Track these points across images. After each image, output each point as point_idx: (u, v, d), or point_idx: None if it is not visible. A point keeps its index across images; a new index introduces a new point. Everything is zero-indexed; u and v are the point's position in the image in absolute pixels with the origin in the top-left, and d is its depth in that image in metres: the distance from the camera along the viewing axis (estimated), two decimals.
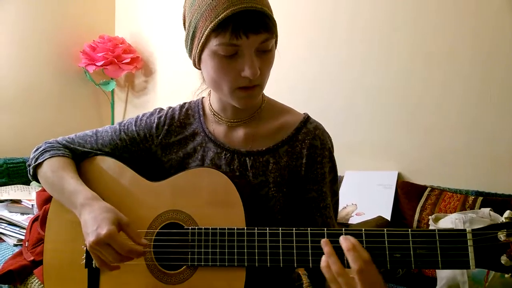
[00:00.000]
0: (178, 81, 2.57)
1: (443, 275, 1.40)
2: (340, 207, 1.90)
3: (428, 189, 1.73)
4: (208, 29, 0.82)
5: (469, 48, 1.71)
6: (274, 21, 0.86)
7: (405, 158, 1.89)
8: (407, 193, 1.78)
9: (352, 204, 1.88)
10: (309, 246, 0.78)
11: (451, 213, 1.59)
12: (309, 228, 0.79)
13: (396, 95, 1.90)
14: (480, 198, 1.59)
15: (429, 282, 1.51)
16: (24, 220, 1.90)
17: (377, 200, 1.83)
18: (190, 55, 0.93)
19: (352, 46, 2.02)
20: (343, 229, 0.76)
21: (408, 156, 1.88)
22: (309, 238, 0.78)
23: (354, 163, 1.98)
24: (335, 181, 0.99)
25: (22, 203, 2.02)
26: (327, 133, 1.00)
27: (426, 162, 1.83)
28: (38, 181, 1.06)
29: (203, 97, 1.07)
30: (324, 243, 0.76)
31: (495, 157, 1.66)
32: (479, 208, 1.54)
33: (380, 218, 1.72)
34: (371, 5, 1.96)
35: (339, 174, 2.02)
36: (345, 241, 0.74)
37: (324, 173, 0.96)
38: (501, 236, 0.68)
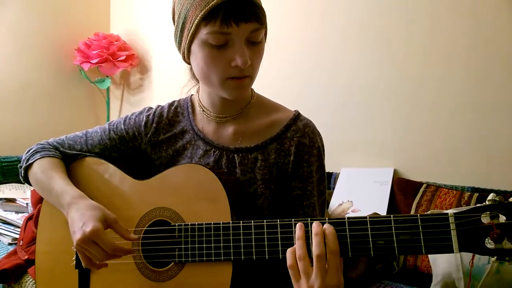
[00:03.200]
0: (174, 78, 2.55)
1: (439, 271, 1.39)
2: (336, 204, 1.90)
3: (424, 185, 1.73)
4: (198, 18, 0.82)
5: (465, 46, 1.70)
6: (264, 11, 0.86)
7: (401, 155, 1.88)
8: (403, 189, 1.77)
9: (348, 201, 1.87)
10: (294, 237, 0.78)
11: (446, 209, 1.59)
12: (293, 219, 0.79)
13: (392, 92, 1.89)
14: (476, 195, 1.58)
15: (425, 278, 1.51)
16: (18, 218, 1.91)
17: (373, 197, 1.83)
18: (179, 49, 0.93)
19: (347, 42, 2.01)
20: (327, 218, 0.76)
21: (404, 153, 1.87)
22: (293, 229, 0.78)
23: (350, 160, 1.97)
24: (322, 181, 0.98)
25: (17, 201, 2.03)
26: (317, 131, 0.99)
27: (422, 159, 1.83)
28: (29, 183, 1.07)
29: (192, 95, 1.07)
30: (299, 227, 0.76)
31: (491, 153, 1.66)
32: (475, 204, 1.54)
33: (375, 214, 1.71)
34: (365, 2, 1.95)
35: (335, 171, 2.03)
36: (317, 226, 0.74)
37: (310, 171, 0.95)
38: (484, 218, 0.67)
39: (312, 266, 0.72)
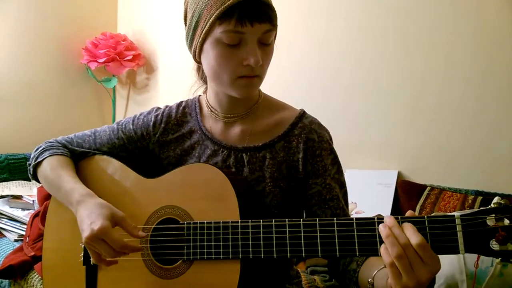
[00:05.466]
0: (180, 78, 2.57)
1: (441, 273, 1.40)
2: None
3: (428, 188, 1.73)
4: (213, 16, 0.84)
5: (469, 47, 1.70)
6: (276, 14, 0.88)
7: (405, 157, 1.88)
8: (407, 192, 1.78)
9: (352, 202, 1.88)
10: (302, 237, 0.79)
11: (450, 212, 1.59)
12: (301, 219, 0.80)
13: (396, 93, 1.90)
14: (480, 198, 1.58)
15: None
16: (25, 215, 1.91)
17: (377, 199, 1.83)
18: (190, 47, 0.95)
19: (350, 42, 2.01)
20: (335, 218, 0.77)
21: (408, 155, 1.88)
22: (302, 229, 0.79)
23: (354, 162, 1.98)
24: (340, 173, 1.00)
25: (23, 198, 2.03)
26: (323, 126, 1.01)
27: (426, 161, 1.83)
28: (38, 181, 1.08)
29: (199, 95, 1.08)
30: (382, 226, 0.72)
31: (495, 156, 1.66)
32: (479, 208, 1.54)
33: (380, 217, 1.72)
34: (368, 3, 1.95)
35: None
36: (384, 229, 0.71)
37: (325, 165, 0.96)
38: (490, 221, 0.69)
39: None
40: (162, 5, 2.77)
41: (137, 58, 2.74)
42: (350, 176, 1.97)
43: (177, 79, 2.61)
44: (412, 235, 0.69)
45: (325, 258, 1.10)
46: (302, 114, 1.01)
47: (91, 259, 0.88)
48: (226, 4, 0.82)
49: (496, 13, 1.63)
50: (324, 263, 1.58)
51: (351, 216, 0.98)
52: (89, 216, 0.86)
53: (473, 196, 1.60)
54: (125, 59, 2.67)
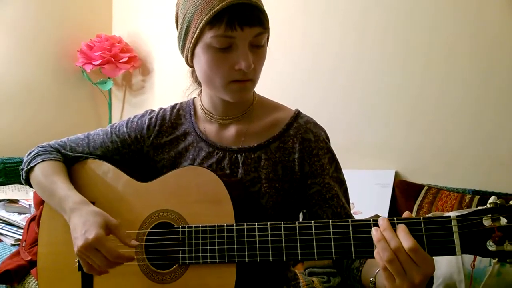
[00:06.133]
0: (176, 80, 2.55)
1: (439, 273, 1.39)
2: None
3: (425, 188, 1.73)
4: (203, 22, 0.83)
5: (468, 47, 1.70)
6: (267, 16, 0.88)
7: (402, 157, 1.88)
8: (404, 192, 1.78)
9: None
10: (298, 239, 0.79)
11: (448, 211, 1.59)
12: (296, 222, 0.79)
13: (393, 93, 1.89)
14: (477, 197, 1.59)
15: None
16: (21, 220, 1.91)
17: (374, 199, 1.83)
18: (182, 52, 0.94)
19: (348, 43, 2.01)
20: (330, 221, 0.77)
21: (406, 155, 1.87)
22: (297, 231, 0.79)
23: (351, 162, 1.97)
24: (339, 171, 1.00)
25: (20, 203, 2.03)
26: (319, 125, 1.01)
27: (424, 161, 1.83)
28: (30, 186, 1.07)
29: (194, 97, 1.08)
30: (374, 230, 0.72)
31: (492, 156, 1.66)
32: (476, 207, 1.54)
33: (377, 217, 1.71)
34: (366, 3, 1.95)
35: None
36: (376, 233, 0.71)
37: (322, 164, 0.96)
38: (486, 221, 0.68)
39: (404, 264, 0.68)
40: (157, 7, 2.77)
41: (132, 60, 2.73)
42: (347, 176, 1.94)
43: (173, 80, 2.60)
44: (404, 238, 0.69)
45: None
46: (297, 114, 1.00)
47: (83, 268, 0.87)
48: (216, 8, 0.82)
49: (496, 13, 1.63)
50: (322, 264, 1.58)
51: (352, 214, 0.99)
52: (83, 224, 0.85)
53: (470, 196, 1.60)
54: (120, 61, 2.66)
